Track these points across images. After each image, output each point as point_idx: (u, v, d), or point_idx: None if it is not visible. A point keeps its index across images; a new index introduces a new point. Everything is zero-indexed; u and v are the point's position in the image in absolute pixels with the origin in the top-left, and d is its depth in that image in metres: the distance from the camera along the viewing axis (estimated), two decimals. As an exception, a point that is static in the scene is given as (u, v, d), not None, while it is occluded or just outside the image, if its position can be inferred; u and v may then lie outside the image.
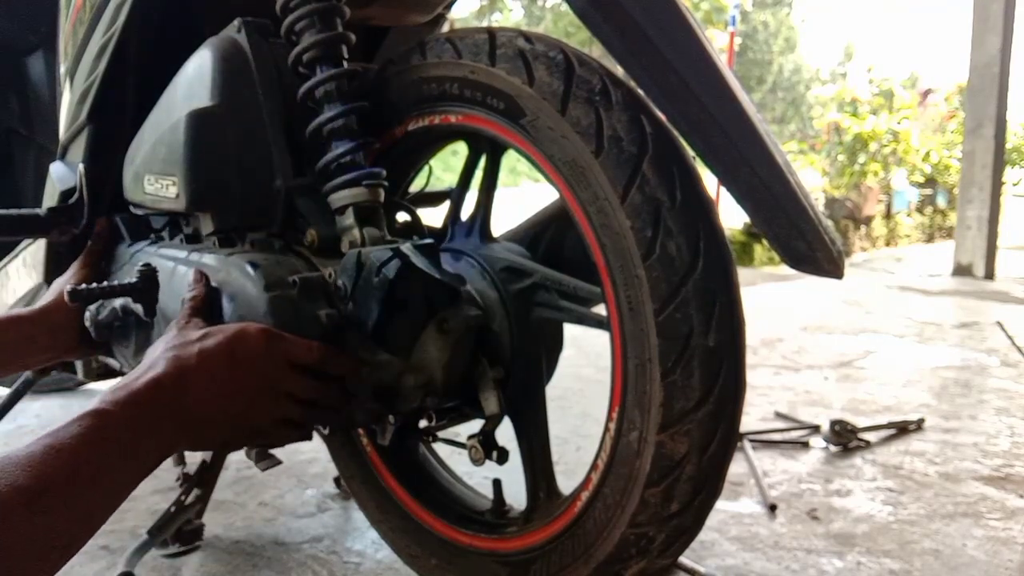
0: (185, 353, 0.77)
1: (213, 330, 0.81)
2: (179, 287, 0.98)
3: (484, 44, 0.88)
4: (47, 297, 1.15)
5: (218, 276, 0.93)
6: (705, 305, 0.76)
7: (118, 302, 1.07)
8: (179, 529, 1.28)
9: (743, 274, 3.11)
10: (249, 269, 0.89)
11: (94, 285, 0.95)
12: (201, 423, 0.78)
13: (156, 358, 0.78)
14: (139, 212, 1.15)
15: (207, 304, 0.89)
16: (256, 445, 0.89)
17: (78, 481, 0.64)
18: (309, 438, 0.87)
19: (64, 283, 1.18)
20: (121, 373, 1.26)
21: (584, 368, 2.54)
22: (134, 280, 0.96)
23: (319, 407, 0.85)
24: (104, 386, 2.18)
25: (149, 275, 0.97)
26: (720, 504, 1.37)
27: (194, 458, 1.31)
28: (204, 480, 1.30)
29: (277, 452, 0.95)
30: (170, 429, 0.74)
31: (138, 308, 1.00)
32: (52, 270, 1.34)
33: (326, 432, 1.00)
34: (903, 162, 8.16)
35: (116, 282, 0.97)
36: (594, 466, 0.84)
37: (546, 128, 0.82)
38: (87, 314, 1.10)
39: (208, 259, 0.98)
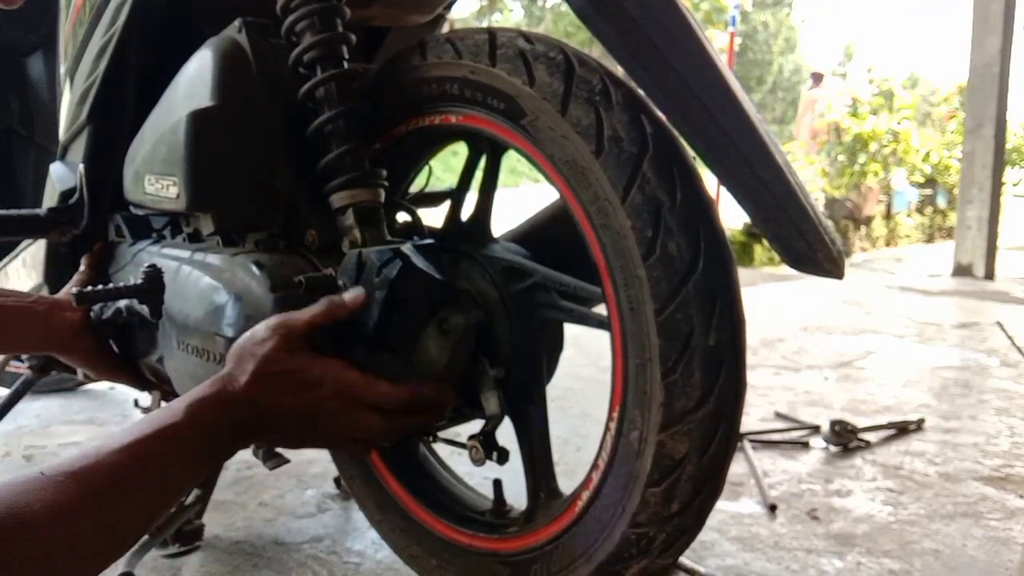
0: (266, 389, 0.77)
1: (297, 368, 0.78)
2: (184, 287, 0.98)
3: (484, 44, 0.88)
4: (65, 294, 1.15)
5: (223, 276, 0.93)
6: (705, 305, 0.76)
7: (123, 302, 1.07)
8: (179, 529, 1.28)
9: (743, 274, 3.10)
10: (254, 269, 0.89)
11: (100, 287, 0.95)
12: (263, 439, 0.81)
13: (237, 374, 0.77)
14: (139, 212, 1.15)
15: (331, 325, 0.83)
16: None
17: (142, 482, 0.67)
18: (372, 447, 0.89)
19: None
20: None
21: (584, 368, 2.54)
22: (140, 281, 0.96)
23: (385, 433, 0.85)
24: (103, 387, 2.19)
25: (155, 276, 0.97)
26: (720, 504, 1.37)
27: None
28: (204, 480, 1.30)
29: (282, 452, 0.95)
30: (233, 441, 0.77)
31: (143, 309, 1.00)
32: (52, 270, 1.34)
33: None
34: (903, 162, 8.16)
35: (122, 283, 0.96)
36: (595, 466, 0.84)
37: (546, 128, 0.82)
38: (92, 315, 1.10)
39: (213, 259, 0.98)
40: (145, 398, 1.23)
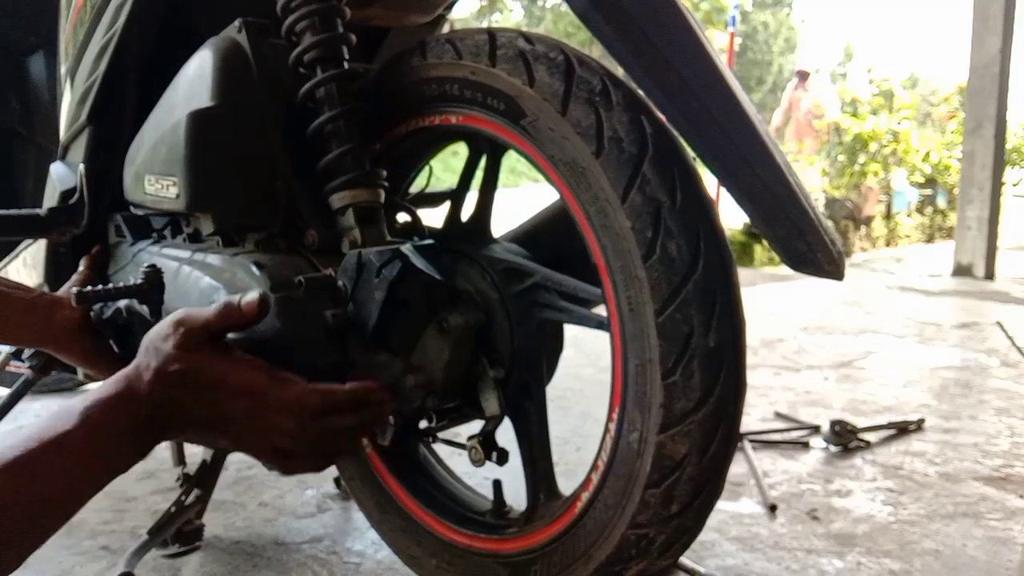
0: (173, 391, 0.73)
1: (205, 367, 0.74)
2: (184, 287, 0.98)
3: (484, 45, 0.88)
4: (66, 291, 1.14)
5: (223, 276, 0.93)
6: (705, 306, 0.76)
7: (123, 302, 1.07)
8: (179, 529, 1.28)
9: (743, 274, 3.10)
10: (254, 269, 0.89)
11: (100, 287, 0.95)
12: (180, 435, 0.77)
13: (142, 374, 0.73)
14: (139, 212, 1.15)
15: (239, 328, 0.79)
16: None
17: (35, 500, 0.64)
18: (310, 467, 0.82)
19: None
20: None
21: (584, 368, 2.54)
22: (140, 281, 0.96)
23: (319, 446, 0.79)
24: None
25: (155, 277, 0.97)
26: (720, 504, 1.37)
27: (194, 458, 1.31)
28: (204, 480, 1.30)
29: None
30: (142, 441, 0.72)
31: (143, 309, 1.00)
32: (52, 270, 1.34)
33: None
34: (903, 162, 8.15)
35: (121, 283, 0.96)
36: (594, 467, 0.84)
37: (546, 129, 0.82)
38: (92, 315, 1.10)
39: (212, 259, 0.98)
40: None
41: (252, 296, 0.77)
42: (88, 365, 1.14)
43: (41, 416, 1.96)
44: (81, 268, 1.22)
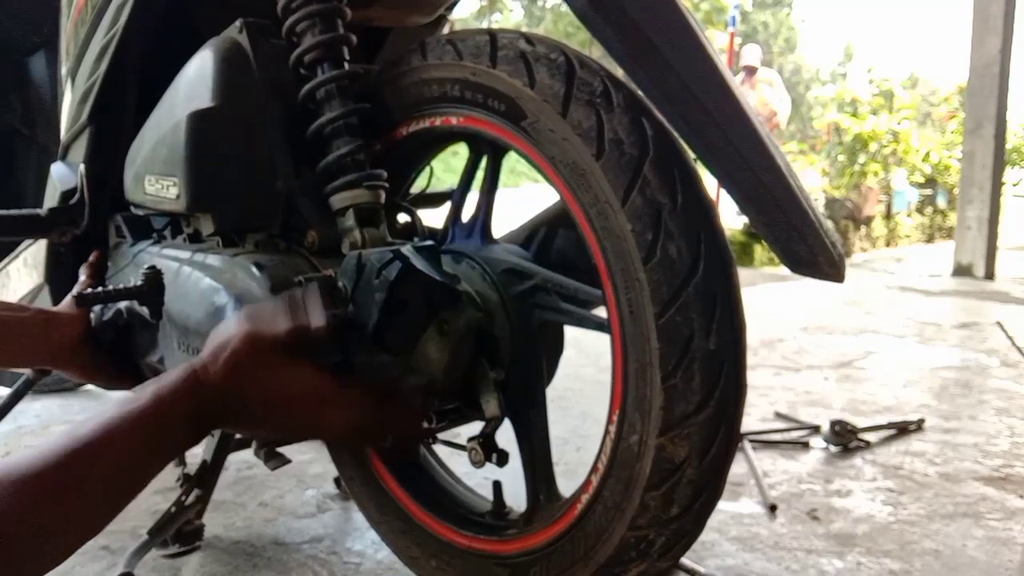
0: (243, 383, 0.77)
1: (282, 367, 0.79)
2: (184, 288, 0.98)
3: (485, 46, 0.88)
4: (63, 308, 1.13)
5: (223, 277, 0.93)
6: (706, 308, 0.76)
7: (123, 304, 1.07)
8: (179, 529, 1.28)
9: (743, 274, 3.10)
10: (254, 270, 0.89)
11: (100, 289, 0.95)
12: (236, 425, 0.80)
13: (215, 361, 0.77)
14: (140, 213, 1.15)
15: (311, 345, 0.82)
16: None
17: (106, 473, 0.68)
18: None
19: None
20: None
21: (584, 368, 2.54)
22: (140, 283, 0.96)
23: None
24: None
25: (155, 278, 0.97)
26: (720, 504, 1.37)
27: (195, 458, 1.31)
28: (204, 480, 1.30)
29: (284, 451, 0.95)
30: (202, 428, 0.76)
31: (144, 310, 1.00)
32: (53, 270, 1.34)
33: None
34: (903, 162, 8.16)
35: (122, 285, 0.96)
36: (594, 469, 0.84)
37: (547, 130, 0.82)
38: (92, 315, 1.10)
39: (213, 260, 0.98)
40: None
41: (323, 316, 0.81)
42: (87, 379, 1.13)
43: (41, 416, 1.95)
44: (82, 279, 1.21)
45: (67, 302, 1.12)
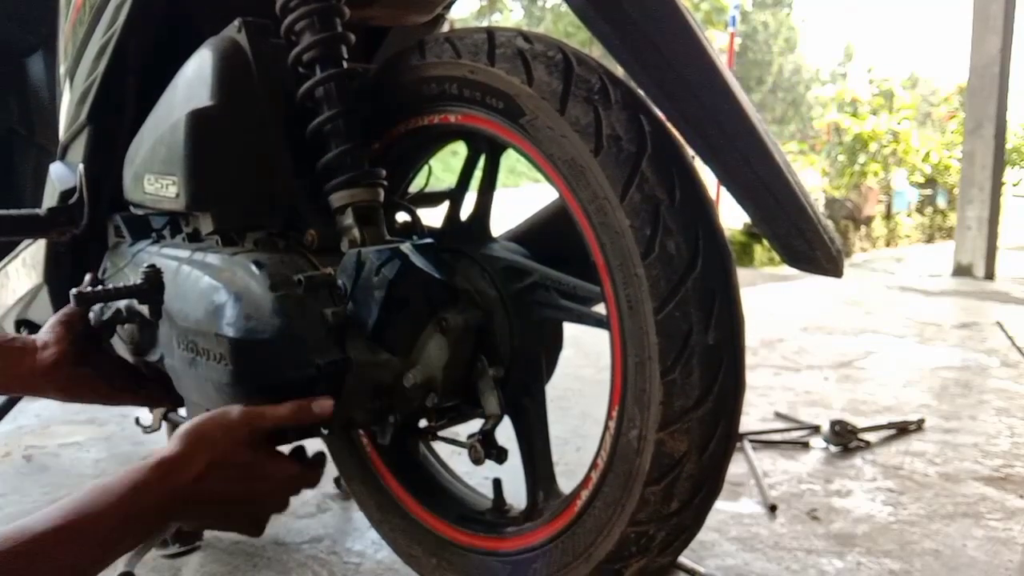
0: (216, 483, 0.78)
1: (255, 465, 0.81)
2: (184, 287, 0.98)
3: (483, 44, 0.88)
4: (43, 335, 1.12)
5: (222, 276, 0.93)
6: (704, 303, 0.76)
7: (122, 303, 1.07)
8: (179, 529, 1.28)
9: (743, 274, 3.11)
10: (254, 268, 0.89)
11: (99, 288, 0.95)
12: (195, 520, 0.82)
13: (189, 461, 0.77)
14: (139, 212, 1.15)
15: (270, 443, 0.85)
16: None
17: (66, 552, 0.68)
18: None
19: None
20: None
21: (584, 368, 2.54)
22: (139, 282, 0.96)
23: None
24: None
25: (154, 277, 0.97)
26: (720, 504, 1.37)
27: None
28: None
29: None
30: (157, 526, 0.77)
31: (143, 309, 1.00)
32: (52, 270, 1.34)
33: (326, 432, 0.99)
34: (903, 162, 8.16)
35: (121, 284, 0.96)
36: (594, 465, 0.84)
37: (545, 127, 0.82)
38: (91, 314, 1.10)
39: (212, 259, 0.98)
40: (146, 415, 1.22)
41: (326, 403, 0.83)
42: (71, 399, 1.12)
43: (41, 416, 1.95)
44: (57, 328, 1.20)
45: (47, 327, 1.09)
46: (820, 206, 6.43)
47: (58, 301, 1.33)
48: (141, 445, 1.88)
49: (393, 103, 1.00)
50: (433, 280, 0.88)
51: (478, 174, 1.03)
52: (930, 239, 8.75)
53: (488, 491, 1.07)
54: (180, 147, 0.95)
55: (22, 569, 0.64)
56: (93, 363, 1.07)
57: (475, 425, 0.96)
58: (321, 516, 1.46)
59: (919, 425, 2.02)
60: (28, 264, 1.43)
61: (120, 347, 1.14)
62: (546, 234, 1.02)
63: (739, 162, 0.79)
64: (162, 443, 0.92)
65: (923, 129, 9.95)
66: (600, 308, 0.86)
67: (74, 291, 0.94)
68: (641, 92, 0.81)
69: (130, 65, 1.16)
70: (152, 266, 0.98)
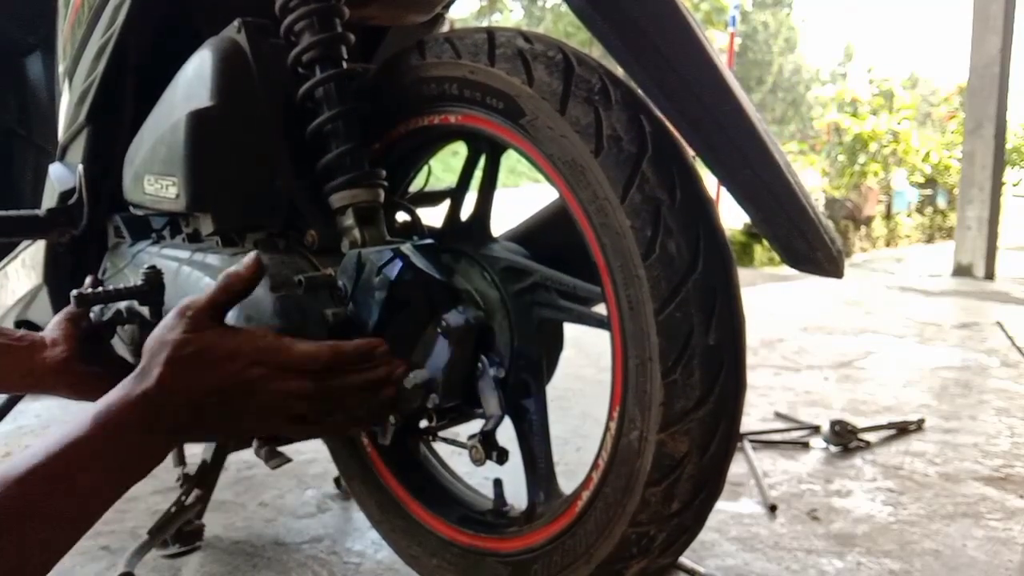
0: (182, 372, 0.72)
1: (209, 344, 0.74)
2: (184, 288, 0.98)
3: (483, 44, 0.88)
4: (50, 333, 1.11)
5: None
6: (705, 304, 0.76)
7: (123, 304, 1.07)
8: (179, 529, 1.28)
9: (743, 274, 3.11)
10: None
11: (100, 289, 0.95)
12: (191, 432, 0.75)
13: (150, 366, 0.73)
14: (139, 213, 1.15)
15: (237, 298, 0.80)
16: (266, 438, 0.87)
17: (45, 507, 0.63)
18: (324, 430, 0.85)
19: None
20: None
21: (584, 368, 2.54)
22: (140, 283, 0.96)
23: (331, 406, 0.80)
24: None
25: (155, 277, 0.97)
26: (720, 504, 1.37)
27: (194, 458, 1.31)
28: (204, 480, 1.30)
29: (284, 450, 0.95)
30: (156, 444, 0.72)
31: (144, 310, 0.99)
32: (52, 271, 1.34)
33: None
34: (903, 162, 8.16)
35: (122, 285, 0.96)
36: (595, 465, 0.84)
37: (545, 128, 0.82)
38: (91, 315, 1.10)
39: (212, 259, 0.98)
40: None
41: (248, 258, 0.79)
42: (79, 397, 1.12)
43: (41, 416, 1.95)
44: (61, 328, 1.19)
45: (53, 324, 1.09)
46: (820, 206, 6.43)
47: (58, 302, 1.32)
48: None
49: (393, 103, 1.00)
50: (434, 280, 0.88)
51: (478, 174, 1.03)
52: (930, 239, 8.75)
53: (489, 491, 1.07)
54: (180, 147, 0.95)
55: (4, 545, 0.60)
56: (99, 361, 1.07)
57: (476, 425, 0.96)
58: (321, 516, 1.46)
59: (919, 425, 2.02)
60: (28, 265, 1.43)
61: (120, 348, 1.14)
62: (546, 234, 1.02)
63: (739, 162, 0.79)
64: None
65: (923, 129, 9.96)
66: (601, 308, 0.86)
67: (75, 293, 0.94)
68: (641, 92, 0.81)
69: (129, 65, 1.16)
70: (152, 267, 0.98)
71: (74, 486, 0.66)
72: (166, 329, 0.75)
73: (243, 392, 0.74)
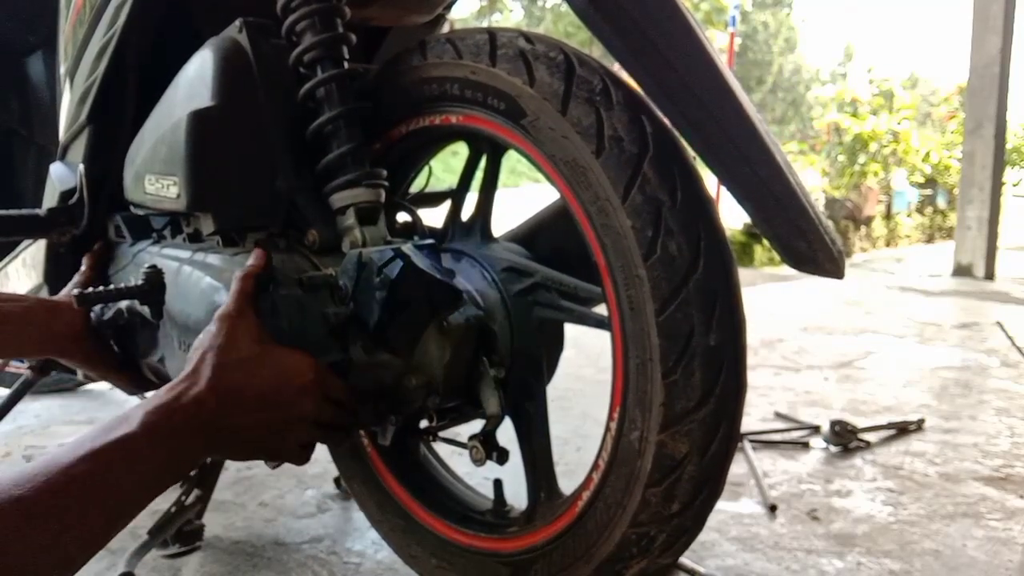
0: (234, 379, 0.75)
1: (265, 354, 0.78)
2: (185, 287, 0.98)
3: (485, 44, 0.88)
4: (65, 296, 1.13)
5: (224, 276, 0.93)
6: (706, 305, 0.76)
7: (124, 304, 1.07)
8: (179, 529, 1.28)
9: (743, 274, 3.11)
10: None
11: (101, 288, 0.95)
12: (228, 445, 0.77)
13: (200, 370, 0.75)
14: (140, 212, 1.15)
15: (259, 288, 0.84)
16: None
17: (86, 501, 0.63)
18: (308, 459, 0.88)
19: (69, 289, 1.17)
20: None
21: (585, 368, 2.54)
22: (140, 282, 0.96)
23: (333, 429, 0.86)
24: (103, 387, 2.19)
25: (155, 277, 0.97)
26: (720, 504, 1.37)
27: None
28: (204, 481, 1.30)
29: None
30: (195, 452, 0.74)
31: (145, 310, 1.00)
32: (52, 270, 1.34)
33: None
34: (903, 162, 8.16)
35: (123, 285, 0.96)
36: (595, 466, 0.84)
37: (547, 128, 0.82)
38: (92, 315, 1.10)
39: (213, 259, 0.98)
40: None
41: (253, 255, 0.86)
42: (90, 368, 1.13)
43: (41, 416, 1.95)
44: (83, 268, 1.21)
45: (68, 291, 1.12)
46: (820, 206, 6.43)
47: (58, 301, 1.32)
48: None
49: (394, 104, 1.00)
50: (434, 281, 0.88)
51: (479, 174, 1.03)
52: (930, 239, 8.75)
53: (489, 491, 1.07)
54: (181, 147, 0.95)
55: (44, 534, 0.60)
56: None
57: (476, 426, 0.96)
58: (321, 516, 1.46)
59: (919, 425, 2.02)
60: (28, 264, 1.43)
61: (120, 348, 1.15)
62: (547, 235, 1.02)
63: (739, 162, 0.79)
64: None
65: (923, 129, 9.95)
66: (601, 309, 0.86)
67: (76, 292, 0.94)
68: (642, 93, 0.81)
69: (130, 65, 1.16)
70: (153, 267, 0.98)
71: (117, 480, 0.66)
72: (211, 336, 0.78)
73: (292, 405, 0.78)
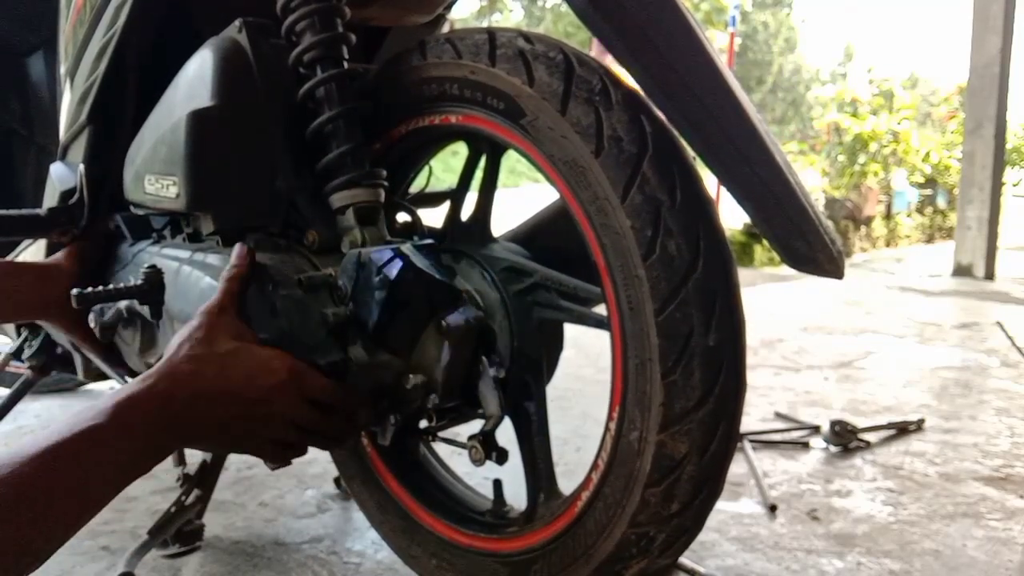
0: (206, 372, 0.75)
1: (241, 351, 0.77)
2: (184, 287, 0.98)
3: (484, 44, 0.88)
4: (57, 259, 1.13)
5: None
6: (705, 305, 0.76)
7: (123, 303, 1.07)
8: (179, 529, 1.28)
9: (743, 274, 3.11)
10: None
11: (100, 288, 0.95)
12: (199, 438, 0.77)
13: (175, 364, 0.75)
14: (140, 212, 1.15)
15: (244, 287, 0.85)
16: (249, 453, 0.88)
17: (51, 493, 0.63)
18: (303, 453, 0.86)
19: (63, 259, 1.17)
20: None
21: (584, 368, 2.54)
22: (140, 282, 0.96)
23: (319, 434, 0.84)
24: (103, 387, 2.19)
25: (155, 277, 0.97)
26: (720, 504, 1.37)
27: (194, 458, 1.31)
28: (204, 481, 1.30)
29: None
30: (164, 444, 0.73)
31: (144, 310, 1.00)
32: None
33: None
34: (903, 162, 8.16)
35: (122, 284, 0.96)
36: (594, 466, 0.84)
37: (546, 128, 0.82)
38: (92, 315, 1.10)
39: (212, 259, 0.98)
40: None
41: (234, 253, 0.86)
42: (78, 337, 1.13)
43: (41, 416, 1.95)
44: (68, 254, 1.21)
45: (59, 255, 1.11)
46: (820, 206, 6.43)
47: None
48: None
49: (394, 103, 1.00)
50: (434, 281, 0.88)
51: (479, 174, 1.04)
52: (930, 239, 8.75)
53: (488, 492, 1.07)
54: (181, 147, 0.95)
55: (6, 526, 0.60)
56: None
57: (476, 426, 0.96)
58: (321, 516, 1.46)
59: (919, 425, 2.02)
60: (28, 264, 1.43)
61: (123, 348, 1.15)
62: (547, 235, 1.02)
63: (739, 162, 0.79)
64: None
65: (923, 129, 9.95)
66: (600, 309, 0.86)
67: (75, 291, 0.94)
68: (642, 92, 0.81)
69: (130, 65, 1.16)
70: (153, 266, 0.98)
71: (83, 472, 0.65)
72: (190, 329, 0.78)
73: (260, 407, 0.77)
